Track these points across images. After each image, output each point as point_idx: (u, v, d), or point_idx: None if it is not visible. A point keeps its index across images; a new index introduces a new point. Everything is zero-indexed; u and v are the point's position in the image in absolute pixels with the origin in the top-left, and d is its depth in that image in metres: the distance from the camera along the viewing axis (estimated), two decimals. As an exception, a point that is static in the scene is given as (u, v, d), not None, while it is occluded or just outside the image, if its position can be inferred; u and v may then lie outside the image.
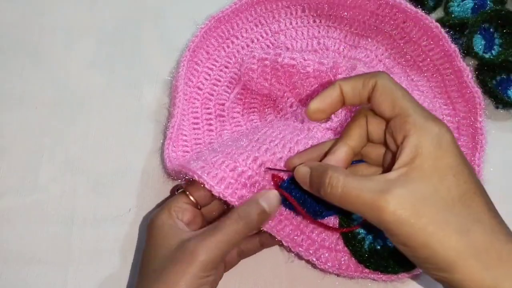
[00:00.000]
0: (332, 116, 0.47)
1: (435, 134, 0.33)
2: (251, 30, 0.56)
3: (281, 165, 0.42)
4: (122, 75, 0.55)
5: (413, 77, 0.54)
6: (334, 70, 0.49)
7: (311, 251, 0.43)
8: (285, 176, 0.42)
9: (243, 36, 0.56)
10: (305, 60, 0.48)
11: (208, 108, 0.52)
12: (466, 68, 0.52)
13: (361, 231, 0.44)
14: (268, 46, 0.55)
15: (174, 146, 0.47)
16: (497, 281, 0.30)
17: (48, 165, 0.50)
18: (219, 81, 0.53)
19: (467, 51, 0.55)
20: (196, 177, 0.40)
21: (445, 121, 0.52)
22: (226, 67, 0.54)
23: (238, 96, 0.52)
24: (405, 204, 0.31)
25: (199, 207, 0.42)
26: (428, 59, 0.54)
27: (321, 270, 0.44)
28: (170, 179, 0.49)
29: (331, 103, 0.37)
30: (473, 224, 0.31)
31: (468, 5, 0.58)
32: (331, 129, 0.47)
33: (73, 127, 0.52)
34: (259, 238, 0.44)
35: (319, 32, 0.56)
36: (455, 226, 0.31)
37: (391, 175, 0.32)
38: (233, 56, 0.55)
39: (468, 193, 0.32)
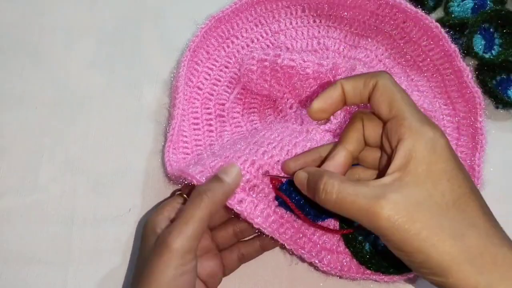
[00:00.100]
0: (331, 117, 0.47)
1: (429, 139, 0.33)
2: (251, 30, 0.56)
3: (279, 168, 0.42)
4: (122, 75, 0.55)
5: (413, 77, 0.54)
6: (333, 71, 0.49)
7: (313, 254, 0.43)
8: (284, 179, 0.42)
9: (243, 36, 0.56)
10: (304, 61, 0.48)
11: (208, 108, 0.52)
12: (466, 68, 0.52)
13: (362, 232, 0.44)
14: (268, 46, 0.55)
15: (174, 149, 0.48)
16: (491, 285, 0.30)
17: (48, 165, 0.50)
18: (219, 81, 0.53)
19: (467, 51, 0.55)
20: (195, 182, 0.40)
21: (445, 121, 0.52)
22: (226, 67, 0.54)
23: (238, 96, 0.52)
24: (399, 209, 0.31)
25: None
26: (428, 59, 0.54)
27: (323, 272, 0.44)
28: (170, 183, 0.49)
29: (332, 102, 0.37)
30: (467, 229, 0.31)
31: (468, 5, 0.58)
32: (330, 131, 0.47)
33: (73, 127, 0.52)
34: (259, 242, 0.44)
35: (319, 32, 0.56)
36: (449, 231, 0.31)
37: (385, 180, 0.33)
38: (233, 56, 0.55)
39: (463, 198, 0.32)
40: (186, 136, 0.49)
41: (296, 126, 0.48)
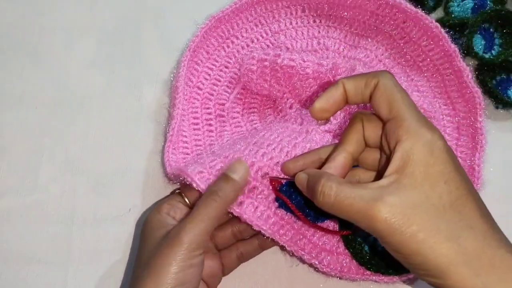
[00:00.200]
0: (331, 118, 0.47)
1: (427, 141, 0.33)
2: (251, 30, 0.56)
3: (278, 169, 0.42)
4: (122, 75, 0.55)
5: (413, 77, 0.54)
6: (333, 71, 0.49)
7: (313, 255, 0.43)
8: (283, 180, 0.42)
9: (243, 36, 0.56)
10: (304, 61, 0.48)
11: (208, 108, 0.52)
12: (466, 68, 0.52)
13: (361, 233, 0.44)
14: (268, 46, 0.55)
15: (174, 149, 0.48)
16: (488, 287, 0.30)
17: (48, 165, 0.50)
18: (219, 81, 0.53)
19: (467, 51, 0.55)
20: (194, 185, 0.40)
21: (445, 121, 0.52)
22: (226, 67, 0.54)
23: (238, 96, 0.52)
24: (396, 212, 0.31)
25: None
26: (428, 59, 0.54)
27: (323, 273, 0.44)
28: (170, 183, 0.49)
29: (334, 102, 0.37)
30: (464, 231, 0.31)
31: (468, 5, 0.58)
32: (329, 132, 0.47)
33: (73, 127, 0.52)
34: (258, 241, 0.44)
35: (319, 32, 0.56)
36: (446, 233, 0.31)
37: (383, 182, 0.33)
38: (233, 56, 0.55)
39: (460, 200, 0.32)
40: (186, 136, 0.49)
41: (296, 126, 0.48)
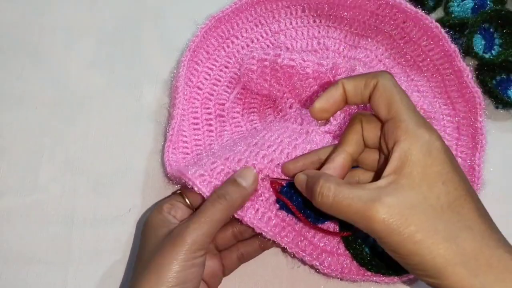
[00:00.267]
0: (331, 119, 0.47)
1: (425, 141, 0.33)
2: (251, 30, 0.56)
3: (279, 171, 0.42)
4: (122, 75, 0.55)
5: (413, 77, 0.54)
6: (333, 71, 0.49)
7: (314, 256, 0.43)
8: (284, 181, 0.42)
9: (243, 36, 0.56)
10: (304, 61, 0.48)
11: (208, 108, 0.52)
12: (466, 68, 0.52)
13: (361, 234, 0.44)
14: (268, 46, 0.55)
15: (174, 149, 0.48)
16: (486, 287, 0.30)
17: (48, 165, 0.50)
18: (219, 81, 0.53)
19: (467, 51, 0.55)
20: (196, 189, 0.40)
21: (445, 121, 0.52)
22: (226, 67, 0.54)
23: (238, 96, 0.52)
24: (394, 213, 0.31)
25: (194, 209, 0.42)
26: (428, 59, 0.54)
27: (324, 274, 0.44)
28: (170, 183, 0.49)
29: (334, 102, 0.37)
30: (462, 231, 0.31)
31: (468, 5, 0.58)
32: (329, 133, 0.47)
33: (73, 127, 0.52)
34: (258, 241, 0.44)
35: (319, 32, 0.56)
36: (443, 233, 0.31)
37: (381, 182, 0.33)
38: (233, 56, 0.55)
39: (458, 200, 0.32)
40: (185, 136, 0.49)
41: (296, 126, 0.48)
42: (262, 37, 0.56)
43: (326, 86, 0.48)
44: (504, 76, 0.55)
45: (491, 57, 0.55)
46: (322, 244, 0.44)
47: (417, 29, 0.54)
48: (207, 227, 0.37)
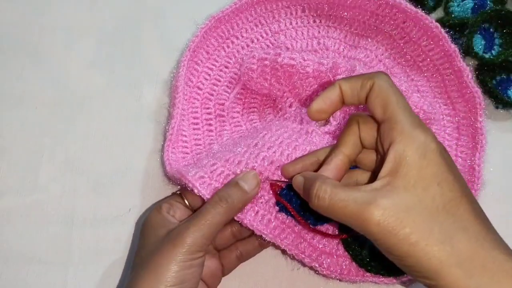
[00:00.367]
0: (331, 119, 0.47)
1: (420, 143, 0.33)
2: (251, 30, 0.56)
3: (279, 173, 0.42)
4: (122, 75, 0.55)
5: (413, 77, 0.54)
6: (333, 71, 0.49)
7: (313, 258, 0.43)
8: (283, 184, 0.42)
9: (243, 36, 0.56)
10: (304, 60, 0.48)
11: (208, 108, 0.52)
12: (466, 68, 0.52)
13: (360, 235, 0.44)
14: (268, 46, 0.55)
15: (173, 148, 0.48)
16: None
17: (48, 165, 0.50)
18: (219, 81, 0.53)
19: (467, 51, 0.55)
20: (196, 191, 0.40)
21: (445, 121, 0.52)
22: (226, 67, 0.54)
23: (238, 96, 0.52)
24: (389, 215, 0.31)
25: (193, 210, 0.42)
26: (428, 59, 0.54)
27: (324, 275, 0.44)
28: (170, 183, 0.49)
29: (331, 103, 0.38)
30: (457, 232, 0.31)
31: (468, 5, 0.58)
32: (329, 133, 0.47)
33: (73, 127, 0.52)
34: (257, 240, 0.44)
35: (319, 32, 0.56)
36: (438, 235, 0.31)
37: (376, 184, 0.33)
38: (233, 56, 0.55)
39: (454, 201, 0.32)
40: (185, 136, 0.49)
41: (296, 125, 0.48)
42: (262, 37, 0.56)
43: (326, 85, 0.48)
44: (504, 76, 0.55)
45: (491, 57, 0.55)
46: (321, 246, 0.44)
47: (417, 29, 0.54)
48: (207, 229, 0.38)
